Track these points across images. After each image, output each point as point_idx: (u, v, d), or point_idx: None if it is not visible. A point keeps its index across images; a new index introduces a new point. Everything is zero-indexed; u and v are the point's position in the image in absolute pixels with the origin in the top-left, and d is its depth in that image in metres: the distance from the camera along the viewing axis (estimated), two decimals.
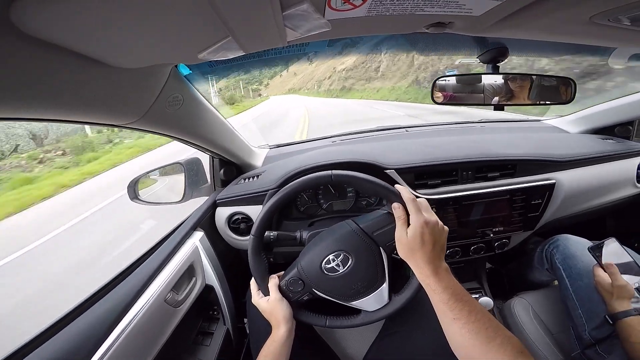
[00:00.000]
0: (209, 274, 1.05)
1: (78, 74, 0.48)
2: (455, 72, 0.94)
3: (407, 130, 1.66)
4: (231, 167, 1.25)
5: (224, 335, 1.05)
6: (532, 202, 1.15)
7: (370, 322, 0.75)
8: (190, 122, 0.89)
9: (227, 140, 1.11)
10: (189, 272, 0.96)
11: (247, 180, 1.17)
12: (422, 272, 0.64)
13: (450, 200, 1.09)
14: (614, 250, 0.98)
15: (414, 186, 1.08)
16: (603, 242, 1.00)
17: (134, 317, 0.72)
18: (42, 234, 4.56)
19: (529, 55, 1.06)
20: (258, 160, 1.36)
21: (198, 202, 1.17)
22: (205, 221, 1.10)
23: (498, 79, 0.90)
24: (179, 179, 1.11)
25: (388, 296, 0.74)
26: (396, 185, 0.72)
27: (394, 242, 0.70)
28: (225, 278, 1.10)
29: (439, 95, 0.94)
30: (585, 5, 0.43)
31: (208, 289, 1.05)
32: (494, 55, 0.82)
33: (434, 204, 1.08)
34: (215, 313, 1.11)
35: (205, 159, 1.23)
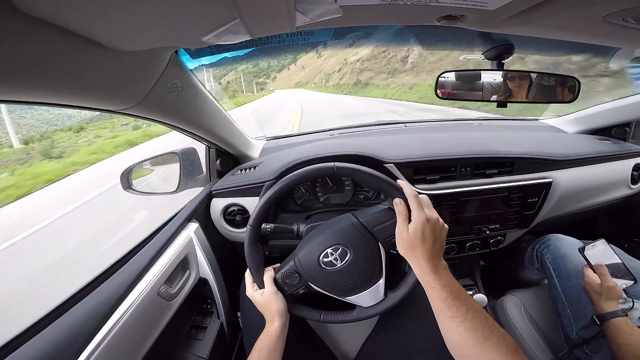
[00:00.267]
0: (203, 266, 1.03)
1: (76, 56, 0.46)
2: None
3: (405, 126, 1.65)
4: (228, 158, 1.22)
5: (218, 329, 1.04)
6: (529, 200, 1.16)
7: (365, 317, 0.75)
8: (188, 110, 0.87)
9: (224, 130, 1.09)
10: (183, 264, 0.95)
11: (243, 171, 1.15)
12: (422, 270, 0.63)
13: (448, 196, 1.09)
14: (603, 252, 1.00)
15: (412, 181, 1.07)
16: (593, 243, 1.02)
17: (126, 310, 0.70)
18: None
19: (534, 53, 1.06)
20: (255, 152, 1.34)
21: (193, 193, 1.14)
22: (201, 212, 1.08)
23: (497, 77, 0.90)
24: (174, 169, 1.09)
25: (384, 292, 0.74)
26: (398, 181, 0.72)
27: (393, 237, 0.69)
28: (219, 271, 1.08)
29: (440, 90, 0.93)
30: (599, 4, 0.42)
31: (202, 282, 1.04)
32: (499, 52, 0.80)
33: (432, 199, 1.05)
34: (209, 307, 1.09)
35: (201, 149, 1.20)
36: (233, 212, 1.09)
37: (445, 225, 0.68)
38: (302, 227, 0.84)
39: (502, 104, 0.89)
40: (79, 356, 0.59)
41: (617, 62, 1.17)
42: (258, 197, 1.03)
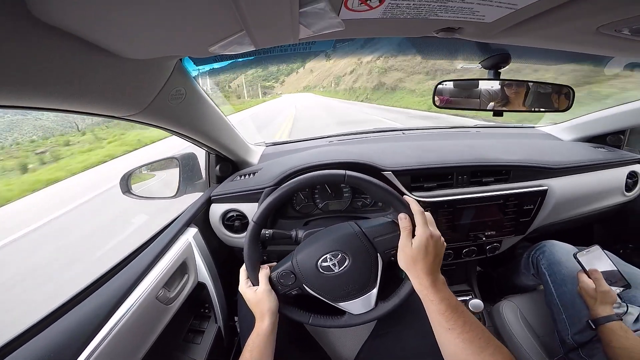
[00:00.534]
0: (202, 271, 1.03)
1: (85, 63, 0.47)
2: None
3: (403, 133, 1.66)
4: (227, 164, 1.23)
5: (215, 333, 1.04)
6: (524, 208, 1.17)
7: (353, 325, 0.76)
8: (191, 116, 0.88)
9: (225, 136, 1.10)
10: (182, 269, 0.95)
11: (243, 177, 1.16)
12: (421, 283, 0.66)
13: (445, 204, 1.10)
14: (597, 257, 1.02)
15: (410, 188, 1.08)
16: (588, 249, 1.03)
17: (124, 314, 0.70)
18: None
19: (530, 63, 1.07)
20: (254, 158, 1.35)
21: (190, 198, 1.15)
22: (199, 217, 1.08)
23: (495, 85, 0.91)
24: (174, 174, 1.10)
25: (375, 302, 0.75)
26: (405, 197, 0.74)
27: (393, 250, 0.72)
28: (217, 276, 1.09)
29: (438, 99, 0.95)
30: (593, 16, 0.44)
31: (200, 287, 1.04)
32: (496, 61, 0.82)
33: (429, 206, 1.08)
34: (206, 311, 1.10)
35: (200, 154, 1.21)
36: (232, 218, 1.10)
37: (445, 243, 0.71)
38: (301, 233, 0.85)
39: (498, 113, 0.91)
40: (78, 357, 0.59)
41: (611, 69, 1.19)
42: (257, 203, 1.04)
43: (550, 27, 0.49)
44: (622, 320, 0.87)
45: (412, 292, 0.72)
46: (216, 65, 0.72)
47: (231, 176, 1.22)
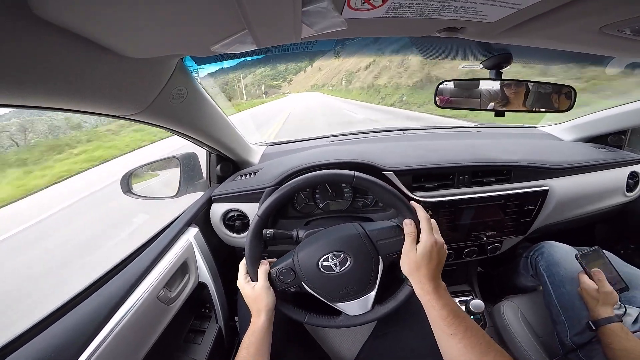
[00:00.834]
0: (203, 271, 1.03)
1: (87, 62, 0.47)
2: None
3: (404, 133, 1.66)
4: (228, 164, 1.23)
5: (216, 333, 1.04)
6: (525, 208, 1.17)
7: (348, 326, 0.77)
8: (192, 116, 0.88)
9: (226, 136, 1.10)
10: (182, 268, 0.95)
11: (244, 177, 1.16)
12: (423, 288, 0.67)
13: (446, 204, 1.10)
14: (598, 259, 1.02)
15: (411, 189, 1.08)
16: (589, 250, 1.03)
17: (125, 313, 0.70)
18: None
19: (532, 63, 1.07)
20: (255, 158, 1.35)
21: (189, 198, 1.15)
22: (200, 217, 1.08)
23: (495, 85, 0.91)
24: (174, 174, 1.09)
25: (372, 304, 0.75)
26: (412, 202, 0.75)
27: (395, 254, 0.73)
28: (218, 275, 1.09)
29: (439, 98, 0.95)
30: (596, 16, 0.44)
31: (201, 286, 1.04)
32: (498, 61, 0.82)
33: (430, 206, 1.08)
34: (207, 311, 1.09)
35: (201, 154, 1.21)
36: (233, 218, 1.10)
37: (447, 250, 0.73)
38: (302, 233, 0.85)
39: (499, 113, 0.91)
40: (78, 357, 0.59)
41: (612, 69, 1.19)
42: (258, 203, 1.04)
43: (553, 27, 0.49)
44: (622, 321, 0.87)
45: (410, 296, 0.73)
46: (217, 65, 0.72)
47: (232, 176, 1.22)
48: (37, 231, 4.84)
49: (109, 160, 9.56)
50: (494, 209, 1.15)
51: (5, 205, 6.59)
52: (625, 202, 1.39)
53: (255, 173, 1.15)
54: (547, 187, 1.17)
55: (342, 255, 0.73)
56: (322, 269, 0.73)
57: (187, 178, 1.12)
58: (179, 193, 1.10)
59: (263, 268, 0.77)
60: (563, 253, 1.13)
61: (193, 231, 1.03)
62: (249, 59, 0.72)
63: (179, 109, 0.80)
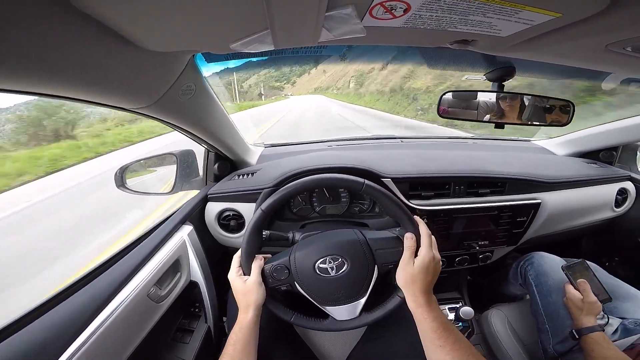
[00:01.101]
0: (195, 269, 1.02)
1: (104, 52, 0.47)
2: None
3: (402, 141, 1.67)
4: (226, 163, 1.22)
5: (205, 333, 1.03)
6: (518, 219, 1.19)
7: (334, 330, 0.77)
8: (198, 113, 0.88)
9: (227, 135, 1.09)
10: (174, 266, 0.94)
11: (241, 177, 1.15)
12: (416, 301, 0.69)
13: (441, 212, 1.11)
14: (583, 271, 1.05)
15: (408, 196, 1.09)
16: (575, 262, 1.07)
17: (114, 310, 0.69)
18: None
19: (535, 76, 1.09)
20: (253, 158, 1.35)
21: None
22: (195, 215, 1.07)
23: (492, 97, 0.93)
24: (171, 170, 1.08)
25: (360, 311, 0.76)
26: (415, 217, 0.76)
27: (391, 265, 0.74)
28: (210, 275, 1.08)
29: (442, 108, 0.96)
30: (603, 34, 0.46)
31: (192, 285, 1.03)
32: (501, 74, 0.83)
33: (426, 214, 1.09)
34: (197, 310, 1.08)
35: (198, 151, 1.20)
36: (228, 217, 1.09)
37: (441, 265, 0.77)
38: (298, 236, 0.84)
39: (499, 126, 0.92)
40: (62, 353, 0.57)
41: (609, 84, 1.22)
42: (254, 204, 1.03)
43: (561, 43, 0.51)
44: (604, 331, 0.90)
45: (398, 307, 0.74)
46: (226, 65, 0.72)
47: (229, 175, 1.21)
48: None
49: None
50: (488, 219, 1.17)
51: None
52: (613, 217, 1.42)
53: (253, 173, 1.14)
54: (539, 200, 1.19)
55: (339, 260, 0.73)
56: (317, 271, 0.73)
57: (183, 175, 1.10)
58: (174, 190, 1.08)
59: (257, 263, 0.76)
60: (552, 264, 1.16)
61: (187, 229, 1.01)
62: (254, 59, 0.72)
63: (187, 105, 0.80)
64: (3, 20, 0.32)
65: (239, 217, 1.08)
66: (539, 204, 1.19)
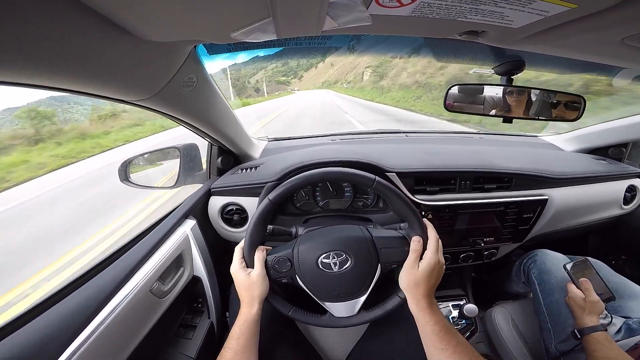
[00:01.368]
0: (198, 264, 1.01)
1: (103, 42, 0.46)
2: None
3: (407, 135, 1.66)
4: (229, 156, 1.22)
5: (208, 328, 1.03)
6: (524, 216, 1.18)
7: (332, 326, 0.77)
8: (200, 105, 0.87)
9: (230, 128, 1.08)
10: (177, 261, 0.93)
11: (244, 170, 1.15)
12: (418, 304, 0.69)
13: (446, 208, 1.10)
14: (586, 269, 1.04)
15: (413, 191, 1.08)
16: (578, 260, 1.05)
17: (116, 305, 0.69)
18: None
19: (544, 70, 1.07)
20: (256, 152, 1.34)
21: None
22: (198, 209, 1.06)
23: (499, 92, 0.91)
24: (174, 164, 1.07)
25: (358, 309, 0.75)
26: (424, 220, 0.75)
27: (394, 264, 0.74)
28: (213, 270, 1.07)
29: (448, 102, 0.94)
30: (619, 27, 0.44)
31: (195, 280, 1.02)
32: (510, 67, 0.81)
33: (431, 210, 1.08)
34: (200, 305, 1.08)
35: (202, 145, 1.19)
36: (231, 211, 1.08)
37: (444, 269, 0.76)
38: (301, 231, 0.84)
39: (507, 120, 0.90)
40: (65, 349, 0.57)
41: (620, 81, 1.19)
42: (258, 198, 1.03)
43: (575, 36, 0.49)
44: (607, 330, 0.89)
45: (397, 308, 0.74)
46: (228, 57, 0.70)
47: (232, 169, 1.20)
48: None
49: None
50: (493, 215, 1.15)
51: None
52: (621, 214, 1.40)
53: (256, 167, 1.14)
54: (546, 197, 1.18)
55: (343, 256, 0.72)
56: (320, 266, 0.72)
57: (186, 169, 1.10)
58: (177, 183, 1.08)
59: (259, 255, 0.75)
60: (555, 262, 1.15)
61: (190, 223, 1.01)
62: (261, 54, 0.70)
63: (188, 98, 0.79)
64: (1, 12, 0.31)
65: (242, 212, 1.08)
66: (545, 200, 1.17)
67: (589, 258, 1.13)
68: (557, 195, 1.20)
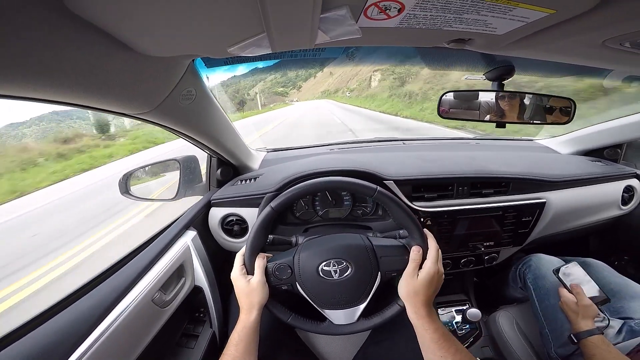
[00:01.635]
0: (199, 274, 1.02)
1: (104, 57, 0.48)
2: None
3: (404, 143, 1.67)
4: (228, 168, 1.23)
5: (210, 338, 1.02)
6: (523, 219, 1.18)
7: (331, 334, 0.77)
8: (199, 118, 0.89)
9: (229, 140, 1.10)
10: (179, 271, 0.94)
11: (244, 182, 1.16)
12: (418, 313, 0.69)
13: (445, 214, 1.10)
14: (576, 273, 1.04)
15: (411, 198, 1.09)
16: (566, 264, 1.06)
17: (118, 315, 0.69)
18: None
19: (534, 75, 1.09)
20: (255, 163, 1.35)
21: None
22: (199, 221, 1.07)
23: (493, 97, 0.92)
24: (174, 176, 1.09)
25: (358, 317, 0.75)
26: (425, 230, 0.76)
27: (394, 272, 0.75)
28: (214, 280, 1.08)
29: (442, 109, 0.96)
30: (599, 30, 0.46)
31: (196, 290, 1.03)
32: (500, 73, 0.83)
33: (429, 216, 1.09)
34: (202, 315, 1.08)
35: (201, 157, 1.21)
36: (231, 222, 1.09)
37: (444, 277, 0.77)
38: (301, 240, 0.84)
39: (500, 125, 0.92)
40: (67, 358, 0.57)
41: (610, 82, 1.21)
42: (257, 209, 1.04)
43: (558, 40, 0.51)
44: (603, 333, 0.88)
45: (396, 316, 0.74)
46: (226, 70, 0.72)
47: (232, 180, 1.22)
48: None
49: None
50: (492, 220, 1.16)
51: None
52: (620, 215, 1.40)
53: (255, 178, 1.15)
54: (544, 200, 1.18)
55: (344, 263, 0.73)
56: (321, 274, 0.73)
57: (186, 181, 1.11)
58: (177, 195, 1.09)
59: (260, 261, 0.75)
60: (550, 266, 1.15)
61: (191, 234, 1.02)
62: (260, 66, 0.73)
63: (187, 110, 0.80)
64: (1, 26, 0.32)
65: (242, 222, 1.09)
66: (543, 203, 1.18)
67: (588, 259, 1.14)
68: (555, 198, 1.20)
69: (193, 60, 0.70)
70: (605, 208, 1.36)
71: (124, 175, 1.01)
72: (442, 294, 1.43)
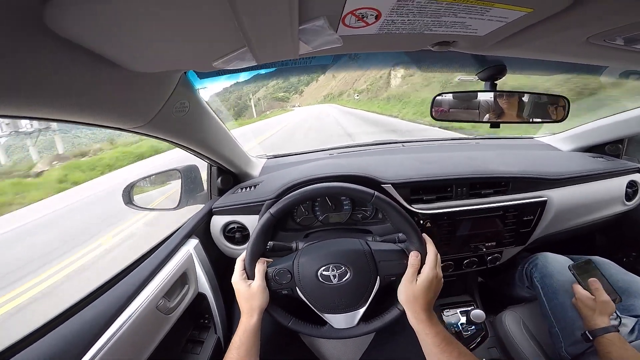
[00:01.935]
0: (202, 282, 1.04)
1: (94, 75, 0.49)
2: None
3: (403, 145, 1.68)
4: (228, 176, 1.25)
5: (215, 344, 1.04)
6: (524, 219, 1.17)
7: (331, 337, 0.78)
8: (194, 128, 0.90)
9: (227, 148, 1.12)
10: (182, 279, 0.96)
11: (244, 189, 1.18)
12: (418, 317, 0.70)
13: (444, 215, 1.10)
14: (591, 270, 1.02)
15: (409, 201, 1.09)
16: (582, 261, 1.04)
17: (124, 322, 0.71)
18: None
19: (526, 74, 1.10)
20: (255, 170, 1.37)
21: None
22: (201, 229, 1.09)
23: (491, 96, 0.93)
24: (176, 186, 1.11)
25: (357, 321, 0.76)
26: (423, 235, 0.77)
27: (393, 277, 0.75)
28: (218, 286, 1.09)
29: (436, 110, 0.96)
30: (582, 26, 0.46)
31: (200, 297, 1.04)
32: (492, 72, 0.84)
33: (429, 218, 1.09)
34: (206, 321, 1.09)
35: (202, 166, 1.23)
36: (233, 230, 1.11)
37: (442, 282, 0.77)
38: (301, 245, 0.86)
39: (495, 125, 0.92)
40: None
41: (607, 77, 1.21)
42: (258, 216, 1.05)
43: (541, 38, 0.51)
44: (619, 331, 0.87)
45: (396, 320, 0.75)
46: (218, 80, 0.74)
47: (232, 188, 1.24)
48: None
49: None
50: (493, 220, 1.15)
51: None
52: (625, 210, 1.38)
53: (255, 186, 1.17)
54: (545, 198, 1.17)
55: (343, 268, 0.74)
56: (320, 278, 0.74)
57: (188, 190, 1.13)
58: (179, 205, 1.11)
59: (260, 266, 0.77)
60: (556, 264, 1.14)
61: (193, 242, 1.04)
62: (262, 71, 0.75)
63: (182, 122, 0.82)
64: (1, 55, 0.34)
65: (243, 229, 1.10)
66: (544, 201, 1.17)
67: (595, 257, 1.12)
68: (557, 196, 1.19)
69: (185, 72, 0.72)
70: (609, 204, 1.34)
71: (127, 186, 1.04)
72: (446, 296, 1.42)
